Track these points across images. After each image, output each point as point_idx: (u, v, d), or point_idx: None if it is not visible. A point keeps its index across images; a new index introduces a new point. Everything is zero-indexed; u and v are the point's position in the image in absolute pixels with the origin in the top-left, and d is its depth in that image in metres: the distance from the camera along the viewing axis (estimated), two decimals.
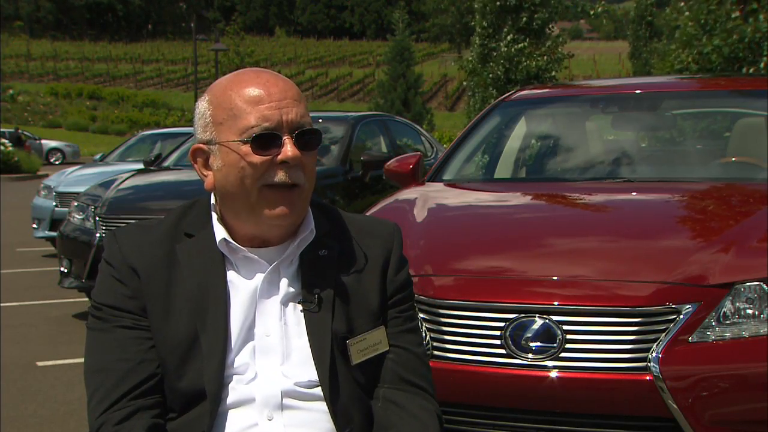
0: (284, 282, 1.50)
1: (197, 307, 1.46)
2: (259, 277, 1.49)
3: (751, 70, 8.23)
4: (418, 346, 1.59)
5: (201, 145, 1.49)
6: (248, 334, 1.47)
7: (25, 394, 4.49)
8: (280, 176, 1.42)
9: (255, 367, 1.46)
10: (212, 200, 1.55)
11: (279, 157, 1.42)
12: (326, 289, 1.50)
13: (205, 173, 1.50)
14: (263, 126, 1.41)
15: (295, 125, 1.43)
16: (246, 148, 1.42)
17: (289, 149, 1.42)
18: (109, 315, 1.48)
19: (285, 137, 1.42)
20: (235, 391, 1.45)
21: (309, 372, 1.47)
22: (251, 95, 1.43)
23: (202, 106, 1.49)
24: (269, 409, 1.44)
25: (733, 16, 8.61)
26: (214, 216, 1.53)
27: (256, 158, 1.41)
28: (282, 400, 1.45)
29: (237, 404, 1.45)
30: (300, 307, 1.49)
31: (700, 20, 9.02)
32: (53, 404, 4.31)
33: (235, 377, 1.45)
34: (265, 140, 1.41)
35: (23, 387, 4.61)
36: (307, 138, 1.45)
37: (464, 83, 18.03)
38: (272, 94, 1.43)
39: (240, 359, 1.46)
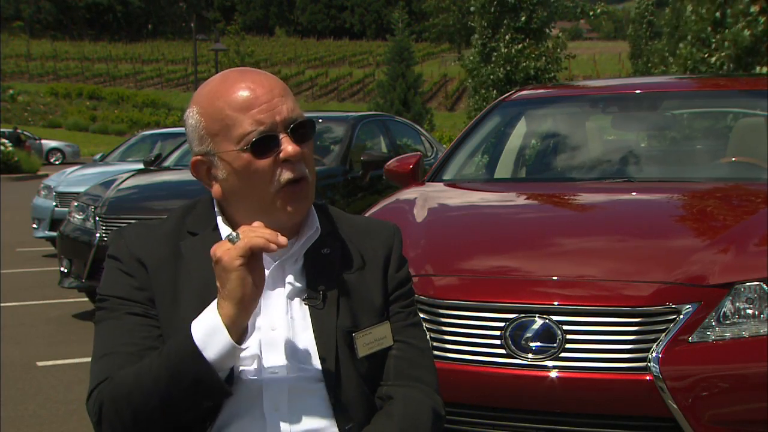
0: (290, 278, 1.52)
1: (203, 303, 1.47)
2: (264, 273, 1.50)
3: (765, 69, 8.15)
4: (421, 341, 1.61)
5: (200, 157, 1.50)
6: (253, 328, 1.49)
7: (25, 394, 4.49)
8: (288, 174, 1.45)
9: (261, 360, 1.47)
10: (215, 200, 1.57)
11: (281, 156, 1.44)
12: (330, 286, 1.52)
13: (210, 183, 1.51)
14: (259, 131, 1.42)
15: (288, 121, 1.45)
16: (247, 156, 1.43)
17: (289, 147, 1.44)
18: (118, 305, 1.48)
19: (282, 136, 1.44)
20: (241, 383, 1.46)
21: (315, 365, 1.48)
22: (240, 101, 1.43)
23: (194, 118, 1.48)
24: (275, 401, 1.45)
25: (751, 10, 8.49)
26: (218, 213, 1.55)
27: (259, 163, 1.43)
28: (288, 392, 1.46)
29: (243, 396, 1.46)
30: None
31: (711, 18, 8.95)
32: (53, 404, 4.32)
33: (241, 369, 1.46)
34: (263, 144, 1.43)
35: (23, 387, 4.61)
36: (303, 130, 1.47)
37: (468, 83, 17.99)
38: (260, 96, 1.44)
39: (246, 352, 1.47)
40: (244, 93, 1.44)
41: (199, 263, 1.50)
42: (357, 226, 1.62)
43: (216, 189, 1.50)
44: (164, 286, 1.48)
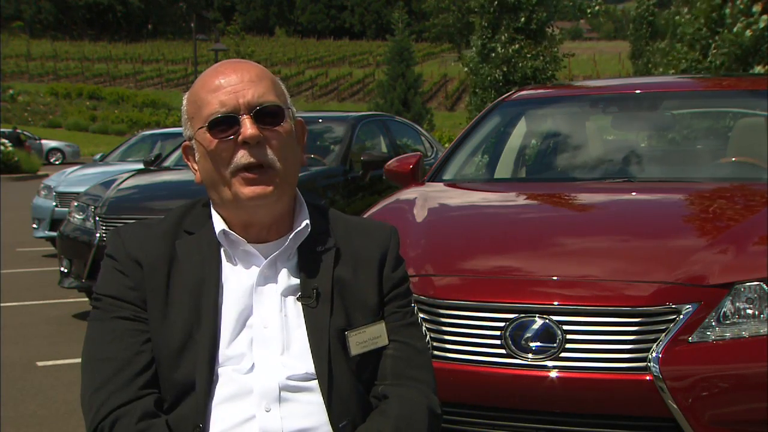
0: (283, 275, 1.52)
1: (194, 301, 1.48)
2: (256, 270, 1.51)
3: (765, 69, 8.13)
4: (418, 340, 1.60)
5: (187, 142, 1.55)
6: (245, 326, 1.49)
7: (25, 394, 4.49)
8: (244, 157, 1.45)
9: (252, 358, 1.47)
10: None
11: (240, 138, 1.45)
12: (324, 284, 1.52)
13: (195, 168, 1.55)
14: (219, 111, 1.45)
15: (252, 104, 1.46)
16: (208, 136, 1.46)
17: (248, 128, 1.44)
18: (110, 305, 1.50)
19: (243, 117, 1.45)
20: (232, 382, 1.46)
21: (308, 364, 1.48)
22: (212, 84, 1.48)
23: (183, 104, 1.55)
24: (267, 400, 1.45)
25: (754, 9, 8.48)
26: (213, 210, 1.56)
27: (218, 143, 1.45)
28: (280, 392, 1.46)
29: (234, 395, 1.45)
30: None
31: (709, 19, 8.93)
32: (53, 404, 4.32)
33: (232, 368, 1.46)
34: (222, 123, 1.45)
35: (23, 387, 4.61)
36: (266, 115, 1.47)
37: (470, 84, 17.97)
38: (230, 81, 1.47)
39: (236, 350, 1.47)
40: (217, 78, 1.48)
41: (192, 261, 1.51)
42: (354, 227, 1.62)
43: (198, 174, 1.54)
44: (158, 287, 1.49)
